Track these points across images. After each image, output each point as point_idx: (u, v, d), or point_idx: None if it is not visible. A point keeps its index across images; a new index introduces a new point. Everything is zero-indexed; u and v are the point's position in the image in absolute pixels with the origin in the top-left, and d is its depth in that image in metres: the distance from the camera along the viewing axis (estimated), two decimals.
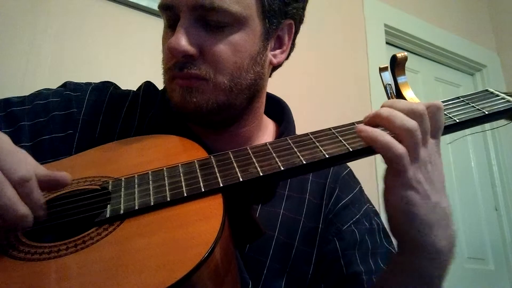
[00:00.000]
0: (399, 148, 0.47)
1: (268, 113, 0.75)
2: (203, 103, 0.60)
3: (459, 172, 2.25)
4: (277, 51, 0.68)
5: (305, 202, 0.67)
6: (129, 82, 0.78)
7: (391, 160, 0.48)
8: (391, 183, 0.49)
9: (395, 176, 0.48)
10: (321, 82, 1.82)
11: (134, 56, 1.37)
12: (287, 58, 0.70)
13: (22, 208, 0.41)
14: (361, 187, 0.75)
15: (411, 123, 0.48)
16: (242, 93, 0.63)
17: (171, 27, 0.62)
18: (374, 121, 0.51)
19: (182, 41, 0.57)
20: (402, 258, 0.52)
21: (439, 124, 0.51)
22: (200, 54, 0.59)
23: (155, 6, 1.44)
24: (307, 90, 1.76)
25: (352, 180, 0.75)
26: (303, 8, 0.69)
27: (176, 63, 0.59)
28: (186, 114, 0.63)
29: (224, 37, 0.59)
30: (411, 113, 0.49)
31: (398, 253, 0.53)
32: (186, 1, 0.58)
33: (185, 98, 0.60)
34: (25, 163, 0.43)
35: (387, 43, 2.14)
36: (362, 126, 0.50)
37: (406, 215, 0.48)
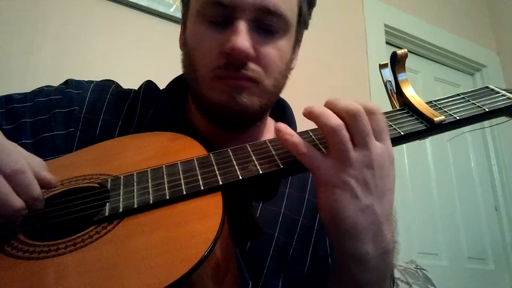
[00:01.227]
0: (302, 148, 0.47)
1: (270, 112, 0.75)
2: (250, 105, 0.60)
3: (459, 172, 2.25)
4: (294, 56, 0.70)
5: (305, 201, 0.67)
6: (129, 82, 0.78)
7: (301, 162, 0.48)
8: (315, 182, 0.48)
9: (313, 175, 0.48)
10: (321, 82, 1.82)
11: (134, 56, 1.37)
12: None
13: (17, 202, 0.41)
14: None
15: (334, 122, 0.47)
16: (276, 97, 0.65)
17: (216, 24, 0.59)
18: (308, 116, 0.50)
19: (247, 43, 0.57)
20: (336, 261, 0.52)
21: (378, 128, 0.48)
22: (254, 56, 0.59)
23: (155, 6, 1.44)
24: (307, 90, 1.75)
25: None
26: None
27: (229, 63, 0.58)
28: (227, 115, 0.61)
29: (274, 41, 0.60)
30: (344, 112, 0.48)
31: (334, 256, 0.52)
32: (252, 2, 0.57)
33: (234, 98, 0.59)
34: (17, 156, 0.43)
35: (387, 43, 2.14)
36: (281, 135, 0.49)
37: (330, 213, 0.47)
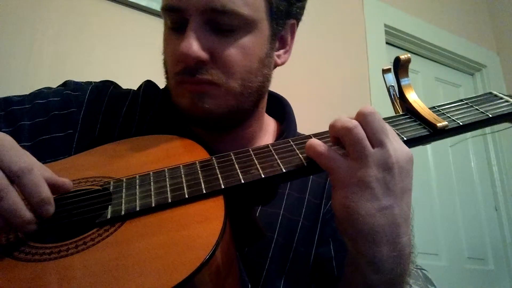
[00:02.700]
0: (319, 148, 0.47)
1: (269, 111, 0.75)
2: (214, 108, 0.59)
3: (459, 172, 2.25)
4: (281, 51, 0.68)
5: (305, 202, 0.67)
6: (129, 82, 0.77)
7: (318, 163, 0.48)
8: (332, 182, 0.48)
9: (331, 175, 0.47)
10: (321, 82, 1.82)
11: (134, 56, 1.37)
12: None
13: (26, 214, 0.40)
14: None
15: (349, 122, 0.47)
16: (251, 97, 0.63)
17: (176, 29, 0.60)
18: (330, 131, 0.50)
19: (194, 47, 0.56)
20: (348, 259, 0.51)
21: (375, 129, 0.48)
22: (211, 59, 0.58)
23: (155, 6, 1.44)
24: (307, 90, 1.76)
25: None
26: (304, 8, 0.69)
27: (185, 68, 0.58)
28: (195, 119, 0.62)
29: (234, 40, 0.58)
30: (358, 115, 0.48)
31: (347, 254, 0.52)
32: (196, 4, 0.56)
33: (196, 103, 0.59)
34: (26, 157, 0.42)
35: (387, 43, 2.14)
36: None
37: (347, 213, 0.46)
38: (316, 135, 0.53)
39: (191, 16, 0.57)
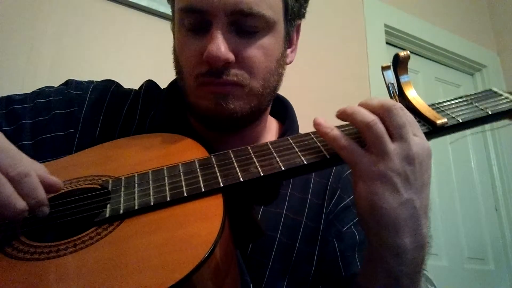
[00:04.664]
0: (343, 142, 0.48)
1: (271, 111, 0.75)
2: (238, 109, 0.59)
3: (459, 172, 2.25)
4: (288, 51, 0.69)
5: (307, 202, 0.67)
6: (129, 82, 0.77)
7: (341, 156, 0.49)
8: (355, 173, 0.49)
9: (353, 169, 0.48)
10: (321, 82, 1.82)
11: (134, 56, 1.37)
12: None
13: (19, 204, 0.41)
14: None
15: (369, 116, 0.48)
16: (268, 96, 0.64)
17: (195, 31, 0.59)
18: (341, 117, 0.51)
19: (223, 49, 0.56)
20: (368, 252, 0.52)
21: (413, 122, 0.50)
22: (236, 60, 0.58)
23: (155, 6, 1.44)
24: (307, 90, 1.75)
25: None
26: (307, 7, 0.70)
27: (210, 70, 0.58)
28: (218, 120, 0.62)
29: (256, 41, 0.59)
30: (378, 107, 0.49)
31: (367, 247, 0.52)
32: (222, 6, 0.56)
33: (221, 105, 0.59)
34: (21, 159, 0.43)
35: (387, 43, 2.14)
36: (320, 128, 0.50)
37: (370, 206, 0.47)
38: (315, 133, 0.53)
39: (216, 17, 0.57)
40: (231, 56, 0.57)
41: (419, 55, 2.35)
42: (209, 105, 0.59)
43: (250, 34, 0.59)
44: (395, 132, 0.48)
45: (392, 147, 0.47)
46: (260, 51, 0.59)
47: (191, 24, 0.59)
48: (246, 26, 0.58)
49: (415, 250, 0.48)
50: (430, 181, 0.50)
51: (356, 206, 0.50)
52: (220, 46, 0.56)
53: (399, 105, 0.49)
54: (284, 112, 0.76)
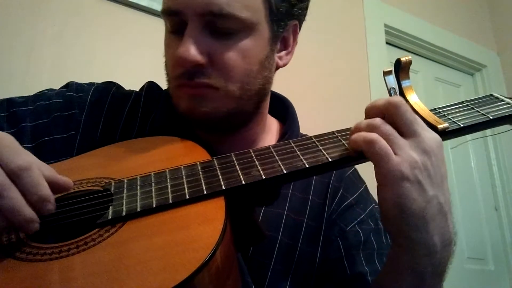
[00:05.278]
0: (369, 136, 0.48)
1: (271, 111, 0.75)
2: (212, 112, 0.59)
3: (459, 172, 2.25)
4: (283, 53, 0.68)
5: (309, 202, 0.66)
6: (130, 82, 0.78)
7: (368, 155, 0.48)
8: (379, 178, 0.48)
9: (381, 170, 0.47)
10: (321, 82, 1.82)
11: (135, 56, 1.37)
12: None
13: (27, 212, 0.40)
14: (366, 187, 0.74)
15: (373, 121, 0.48)
16: (251, 99, 0.63)
17: (175, 32, 0.60)
18: (355, 146, 0.50)
19: (192, 50, 0.56)
20: (395, 253, 0.51)
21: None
22: (210, 62, 0.57)
23: (155, 6, 1.44)
24: (307, 90, 1.76)
25: (357, 180, 0.74)
26: (307, 8, 0.68)
27: (184, 72, 0.58)
28: (194, 122, 0.62)
29: (233, 43, 0.58)
30: (386, 105, 0.49)
31: (392, 248, 0.52)
32: (194, 8, 0.56)
33: (194, 107, 0.59)
34: (25, 156, 0.42)
35: (387, 43, 2.14)
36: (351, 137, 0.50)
37: (398, 207, 0.46)
38: (316, 137, 0.54)
39: (189, 19, 0.56)
40: (200, 58, 0.56)
41: (419, 55, 2.34)
42: (185, 106, 0.60)
43: (226, 35, 0.58)
44: (406, 129, 0.48)
45: (403, 142, 0.47)
46: (237, 53, 0.58)
47: (172, 26, 0.60)
48: (221, 28, 0.57)
49: (444, 249, 0.48)
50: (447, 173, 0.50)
51: (381, 213, 0.49)
52: (188, 48, 0.55)
53: (405, 102, 0.49)
54: (285, 112, 0.76)
